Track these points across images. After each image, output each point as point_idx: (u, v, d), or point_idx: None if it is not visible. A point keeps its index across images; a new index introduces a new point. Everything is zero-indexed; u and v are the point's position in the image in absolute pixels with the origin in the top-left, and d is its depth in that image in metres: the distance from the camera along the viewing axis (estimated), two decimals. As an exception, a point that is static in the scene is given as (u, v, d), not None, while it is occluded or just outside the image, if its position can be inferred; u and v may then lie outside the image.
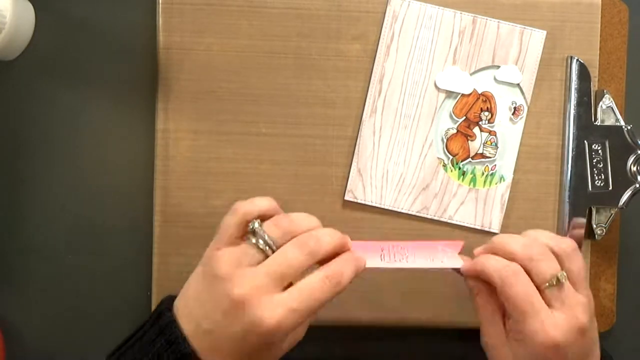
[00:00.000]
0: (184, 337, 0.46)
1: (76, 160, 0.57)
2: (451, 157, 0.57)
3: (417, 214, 0.57)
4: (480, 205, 0.57)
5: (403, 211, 0.56)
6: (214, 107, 0.56)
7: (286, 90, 0.56)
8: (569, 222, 0.57)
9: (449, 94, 0.56)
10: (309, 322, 0.48)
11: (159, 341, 0.46)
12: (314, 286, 0.46)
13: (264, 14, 0.56)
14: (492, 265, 0.48)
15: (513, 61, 0.57)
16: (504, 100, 0.57)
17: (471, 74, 0.56)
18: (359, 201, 0.57)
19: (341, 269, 0.47)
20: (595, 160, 0.57)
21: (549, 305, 0.47)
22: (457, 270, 0.50)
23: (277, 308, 0.45)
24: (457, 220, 0.57)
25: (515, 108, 0.57)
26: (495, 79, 0.57)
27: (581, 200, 0.57)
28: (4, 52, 0.54)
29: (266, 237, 0.46)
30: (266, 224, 0.47)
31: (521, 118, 0.57)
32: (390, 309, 0.57)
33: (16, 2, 0.53)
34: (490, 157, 0.57)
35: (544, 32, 0.57)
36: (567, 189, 0.57)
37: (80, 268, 0.57)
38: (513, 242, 0.49)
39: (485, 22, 0.56)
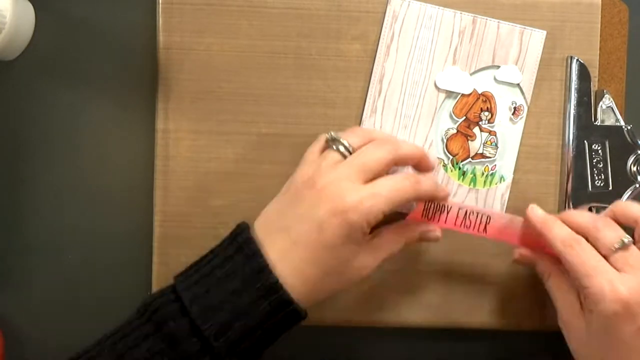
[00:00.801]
0: (261, 251, 0.46)
1: (76, 160, 0.57)
2: (451, 157, 0.57)
3: None
4: (481, 205, 0.57)
5: (404, 211, 0.56)
6: (214, 107, 0.56)
7: (286, 90, 0.56)
8: (569, 222, 0.57)
9: (449, 94, 0.56)
10: (380, 265, 0.49)
11: (237, 256, 0.46)
12: (396, 179, 0.48)
13: (264, 14, 0.56)
14: (557, 232, 0.50)
15: (513, 61, 0.57)
16: (504, 100, 0.57)
17: (471, 74, 0.56)
18: None
19: (420, 176, 0.50)
20: (595, 160, 0.57)
21: (616, 269, 0.47)
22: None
23: (360, 189, 0.46)
24: None
25: (515, 108, 0.57)
26: (495, 79, 0.57)
27: (581, 200, 0.57)
28: (4, 52, 0.54)
29: (345, 143, 0.48)
30: (344, 132, 0.50)
31: (521, 118, 0.57)
32: (390, 309, 0.57)
33: (16, 2, 0.53)
34: (490, 157, 0.57)
35: (544, 32, 0.57)
36: (567, 189, 0.57)
37: (80, 268, 0.57)
38: (579, 215, 0.51)
39: (485, 22, 0.56)
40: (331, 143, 0.49)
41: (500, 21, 0.56)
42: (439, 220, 0.53)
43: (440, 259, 0.57)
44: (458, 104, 0.56)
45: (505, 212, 0.57)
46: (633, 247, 0.48)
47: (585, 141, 0.57)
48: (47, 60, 0.57)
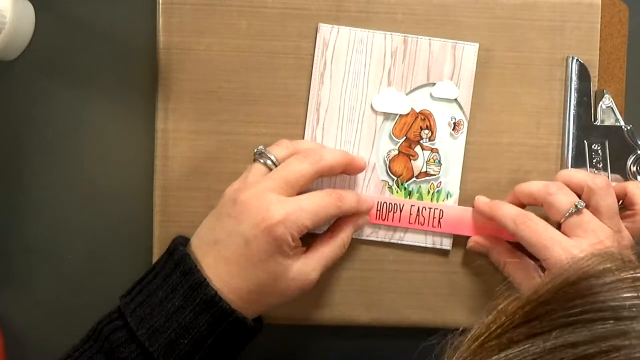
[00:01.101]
0: (197, 267, 0.47)
1: (76, 160, 0.57)
2: (395, 178, 0.56)
3: (367, 238, 0.56)
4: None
5: (353, 236, 0.56)
6: (214, 107, 0.56)
7: (286, 90, 0.56)
8: (569, 222, 0.57)
9: (387, 115, 0.56)
10: (321, 271, 0.50)
11: (175, 273, 0.47)
12: (319, 195, 0.49)
13: (264, 14, 0.56)
14: (506, 211, 0.52)
15: (448, 77, 0.56)
16: (442, 116, 0.56)
17: (407, 94, 0.56)
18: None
19: (342, 192, 0.51)
20: (595, 161, 0.57)
21: (570, 235, 0.49)
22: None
23: (284, 203, 0.46)
24: (407, 241, 0.56)
25: (455, 123, 0.57)
26: (432, 96, 0.56)
27: (581, 200, 0.57)
28: (4, 52, 0.54)
29: (272, 156, 0.49)
30: (271, 147, 0.51)
31: (462, 133, 0.57)
32: (390, 309, 0.57)
33: (16, 2, 0.53)
34: (434, 175, 0.57)
35: (477, 45, 0.56)
36: (567, 189, 0.57)
37: (80, 268, 0.57)
38: (532, 184, 0.53)
39: (417, 41, 0.56)
40: (258, 157, 0.50)
41: (432, 38, 0.56)
42: (392, 219, 0.55)
43: (441, 259, 0.57)
44: (397, 124, 0.56)
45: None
46: (586, 211, 0.50)
47: (585, 141, 0.57)
48: (47, 60, 0.57)
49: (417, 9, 0.56)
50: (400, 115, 0.56)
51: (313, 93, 0.56)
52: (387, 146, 0.56)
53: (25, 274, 0.57)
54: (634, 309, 0.30)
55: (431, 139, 0.57)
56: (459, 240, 0.57)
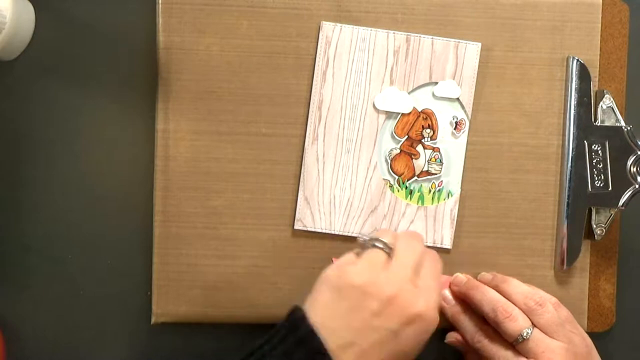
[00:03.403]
0: (326, 349, 0.43)
1: (76, 160, 0.57)
2: (397, 177, 0.56)
3: (369, 237, 0.56)
4: (430, 222, 0.57)
5: (354, 235, 0.56)
6: (214, 107, 0.56)
7: (286, 90, 0.56)
8: (569, 222, 0.57)
9: (389, 114, 0.56)
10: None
11: (299, 351, 0.44)
12: (431, 264, 0.49)
13: (264, 14, 0.56)
14: (466, 324, 0.55)
15: (450, 76, 0.56)
16: (444, 115, 0.56)
17: (409, 93, 0.56)
18: (308, 229, 0.56)
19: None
20: (595, 161, 0.57)
21: (527, 357, 0.51)
22: None
23: (423, 292, 0.46)
24: None
25: (456, 123, 0.57)
26: (434, 95, 0.56)
27: (581, 200, 0.57)
28: (4, 52, 0.54)
29: (385, 240, 0.48)
30: (376, 234, 0.49)
31: (463, 132, 0.57)
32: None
33: (16, 2, 0.53)
34: (436, 174, 0.57)
35: (479, 44, 0.56)
36: (567, 189, 0.57)
37: (80, 268, 0.57)
38: (484, 304, 0.53)
39: (419, 40, 0.56)
40: (368, 243, 0.48)
41: (434, 37, 0.56)
42: None
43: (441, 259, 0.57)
44: (399, 123, 0.56)
45: (503, 212, 0.57)
46: (535, 333, 0.51)
47: (585, 141, 0.57)
48: (47, 60, 0.57)
49: (417, 9, 0.56)
50: (402, 114, 0.56)
51: (315, 91, 0.56)
52: (389, 145, 0.56)
53: (25, 274, 0.57)
54: None
55: (433, 138, 0.57)
56: (460, 240, 0.57)
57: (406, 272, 0.46)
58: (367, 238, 0.48)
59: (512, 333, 0.51)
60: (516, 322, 0.51)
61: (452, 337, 0.56)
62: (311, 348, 0.43)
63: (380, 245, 0.47)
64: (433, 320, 0.46)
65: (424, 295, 0.46)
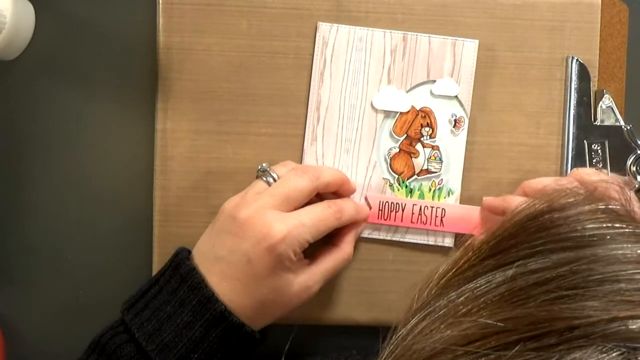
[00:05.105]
0: (205, 281, 0.47)
1: (76, 160, 0.57)
2: (396, 176, 0.56)
3: (369, 237, 0.56)
4: None
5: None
6: (214, 107, 0.56)
7: (286, 90, 0.56)
8: (569, 222, 0.57)
9: (387, 113, 0.56)
10: (323, 283, 0.50)
11: (182, 288, 0.47)
12: (319, 209, 0.49)
13: (264, 14, 0.56)
14: (519, 202, 0.52)
15: (448, 74, 0.56)
16: (443, 113, 0.57)
17: (407, 91, 0.56)
18: None
19: (341, 202, 0.51)
20: (595, 160, 0.57)
21: None
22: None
23: (284, 219, 0.47)
24: (409, 239, 0.56)
25: (455, 120, 0.57)
26: (432, 93, 0.56)
27: (581, 200, 0.57)
28: (4, 52, 0.54)
29: (274, 175, 0.50)
30: (275, 166, 0.52)
31: (462, 130, 0.57)
32: (390, 309, 0.57)
33: (16, 2, 0.53)
34: (435, 172, 0.57)
35: (476, 42, 0.56)
36: (567, 189, 0.57)
37: (80, 268, 0.57)
38: (542, 180, 0.53)
39: (416, 38, 0.56)
40: (261, 174, 0.51)
41: (431, 35, 0.56)
42: (394, 219, 0.55)
43: (442, 259, 0.57)
44: (397, 122, 0.56)
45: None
46: None
47: (585, 141, 0.57)
48: (47, 60, 0.57)
49: (416, 9, 0.56)
50: (401, 113, 0.56)
51: (313, 92, 0.56)
52: (387, 144, 0.56)
53: (25, 274, 0.57)
54: (595, 238, 0.31)
55: (432, 136, 0.57)
56: (461, 239, 0.57)
57: (273, 200, 0.48)
58: (264, 167, 0.51)
59: None
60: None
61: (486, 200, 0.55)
62: (184, 274, 0.48)
63: (264, 178, 0.50)
64: (285, 253, 0.46)
65: (286, 225, 0.46)
